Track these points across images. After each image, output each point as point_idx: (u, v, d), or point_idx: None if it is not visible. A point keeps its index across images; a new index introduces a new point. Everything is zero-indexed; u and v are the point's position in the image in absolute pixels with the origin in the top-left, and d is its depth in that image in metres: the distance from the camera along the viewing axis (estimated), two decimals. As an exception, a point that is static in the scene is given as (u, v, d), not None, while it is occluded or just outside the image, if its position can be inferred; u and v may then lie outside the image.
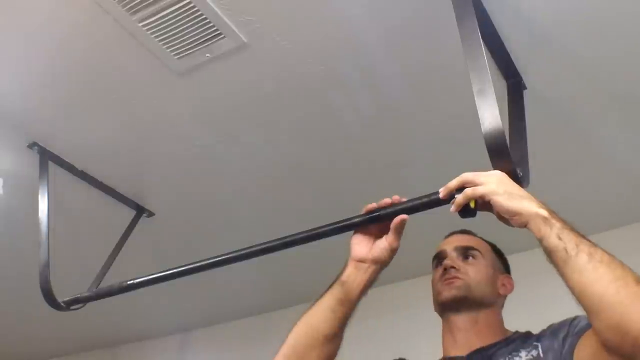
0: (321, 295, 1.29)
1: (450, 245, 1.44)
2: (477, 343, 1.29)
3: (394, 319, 2.37)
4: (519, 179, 1.26)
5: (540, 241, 1.05)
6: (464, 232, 1.49)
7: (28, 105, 2.02)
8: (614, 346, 0.98)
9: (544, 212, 1.05)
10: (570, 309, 1.08)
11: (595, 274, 0.97)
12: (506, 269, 1.47)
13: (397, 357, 1.43)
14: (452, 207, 1.16)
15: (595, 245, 1.01)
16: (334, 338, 1.26)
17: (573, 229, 1.04)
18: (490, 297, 1.36)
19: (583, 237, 1.03)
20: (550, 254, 1.04)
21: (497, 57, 1.69)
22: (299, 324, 1.29)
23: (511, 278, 1.45)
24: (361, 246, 1.29)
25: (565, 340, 1.15)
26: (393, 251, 1.26)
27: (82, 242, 2.65)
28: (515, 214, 1.08)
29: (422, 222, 1.35)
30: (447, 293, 1.34)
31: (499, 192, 1.10)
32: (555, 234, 1.02)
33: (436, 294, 1.38)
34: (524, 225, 1.08)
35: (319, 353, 1.25)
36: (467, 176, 1.16)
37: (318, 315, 1.27)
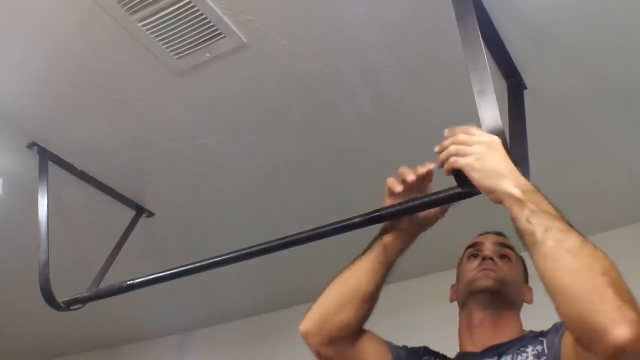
0: (359, 256, 1.30)
1: (488, 240, 1.44)
2: (493, 341, 1.29)
3: (399, 318, 2.38)
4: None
5: (513, 222, 1.05)
6: (498, 233, 1.48)
7: (28, 105, 2.02)
8: (578, 338, 0.97)
9: (517, 193, 1.03)
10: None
11: (559, 262, 0.96)
12: (527, 280, 1.46)
13: (421, 345, 1.42)
14: (445, 172, 1.17)
15: (568, 230, 0.98)
16: (371, 298, 1.27)
17: (548, 212, 1.01)
18: (516, 301, 1.37)
19: (558, 220, 1.00)
20: (520, 237, 1.03)
21: (497, 57, 1.68)
22: (336, 283, 1.30)
23: (531, 289, 1.44)
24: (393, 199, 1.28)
25: (563, 336, 1.15)
26: (443, 212, 1.27)
27: (82, 242, 2.65)
28: (489, 192, 1.08)
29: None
30: (483, 282, 1.33)
31: (476, 167, 1.09)
32: (525, 217, 1.01)
33: (469, 282, 1.37)
34: (500, 203, 1.07)
35: (355, 312, 1.26)
36: (459, 139, 1.15)
37: (358, 276, 1.27)
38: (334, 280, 1.30)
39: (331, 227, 1.40)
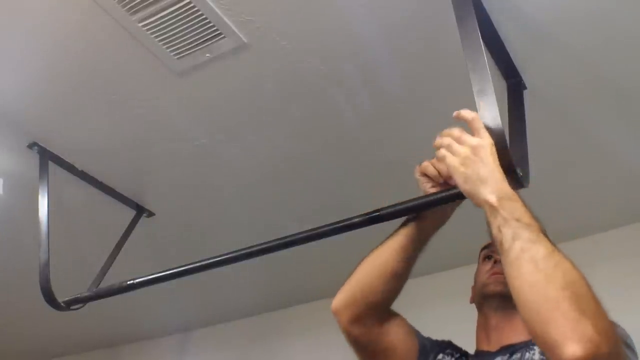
0: (394, 232, 1.30)
1: None
2: (507, 340, 1.30)
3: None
4: (519, 180, 1.26)
5: (488, 226, 1.07)
6: None
7: (28, 105, 2.02)
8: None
9: (492, 200, 1.04)
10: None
11: (519, 271, 0.96)
12: None
13: (445, 339, 1.43)
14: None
15: (537, 241, 0.98)
16: (402, 275, 1.28)
17: (521, 220, 1.01)
18: None
19: (529, 229, 1.00)
20: (493, 243, 1.07)
21: (497, 57, 1.68)
22: (367, 260, 1.31)
23: None
24: (436, 188, 1.27)
25: None
26: None
27: (82, 242, 2.65)
28: (468, 196, 1.10)
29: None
30: (493, 287, 1.34)
31: (460, 170, 1.11)
32: (497, 226, 1.02)
33: (481, 286, 1.38)
34: (479, 207, 1.09)
35: (385, 287, 1.28)
36: (453, 133, 1.16)
37: (390, 252, 1.28)
38: (366, 258, 1.32)
39: (331, 227, 1.40)
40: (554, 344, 0.88)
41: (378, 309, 1.31)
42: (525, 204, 1.06)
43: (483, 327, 1.37)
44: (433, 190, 1.29)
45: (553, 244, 1.00)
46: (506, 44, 1.67)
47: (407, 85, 1.85)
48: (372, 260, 1.31)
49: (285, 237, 1.50)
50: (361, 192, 2.21)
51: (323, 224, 1.42)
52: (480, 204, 1.08)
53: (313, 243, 1.46)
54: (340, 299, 1.32)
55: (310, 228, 1.45)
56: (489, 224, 1.05)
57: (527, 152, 1.52)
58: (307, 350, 2.80)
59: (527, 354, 1.23)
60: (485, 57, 1.33)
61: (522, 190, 1.34)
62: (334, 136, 2.07)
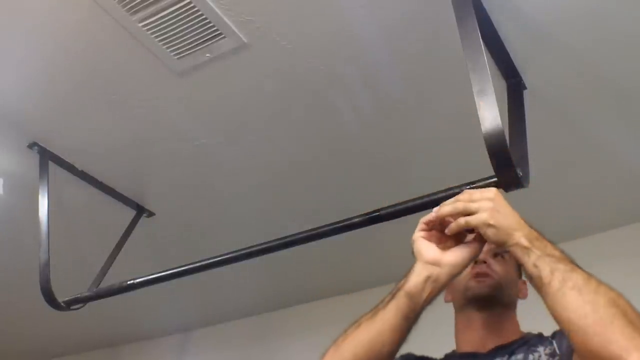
0: (384, 306, 1.18)
1: None
2: (495, 341, 1.29)
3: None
4: (519, 179, 1.27)
5: (522, 268, 1.10)
6: None
7: (28, 105, 2.02)
8: None
9: (524, 242, 1.08)
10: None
11: (564, 300, 1.01)
12: (522, 273, 1.44)
13: (404, 353, 1.40)
14: (447, 230, 1.15)
15: (572, 270, 1.03)
16: (396, 352, 1.21)
17: (553, 255, 1.06)
18: (513, 300, 1.37)
19: (562, 262, 1.04)
20: (529, 280, 1.08)
21: (497, 57, 1.69)
22: (358, 337, 1.19)
23: (526, 283, 1.41)
24: (433, 249, 1.17)
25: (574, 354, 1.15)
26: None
27: (82, 242, 2.65)
28: (500, 245, 1.12)
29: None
30: (478, 290, 1.33)
31: (492, 224, 1.11)
32: (532, 263, 1.06)
33: (464, 289, 1.36)
34: (508, 251, 1.13)
35: None
36: (461, 198, 1.14)
37: (383, 334, 1.17)
38: (359, 331, 1.19)
39: (331, 227, 1.41)
40: (617, 358, 0.93)
41: None
42: (551, 241, 1.10)
43: (466, 328, 1.35)
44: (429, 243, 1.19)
45: (586, 271, 1.04)
46: (506, 44, 1.67)
47: (407, 86, 1.85)
48: (364, 341, 1.18)
49: (285, 237, 1.51)
50: (361, 192, 2.21)
51: (323, 224, 1.42)
52: (511, 249, 1.10)
53: (313, 243, 1.46)
54: None
55: (310, 228, 1.45)
56: (523, 265, 1.08)
57: (527, 152, 1.52)
58: (307, 350, 2.79)
59: (531, 355, 1.22)
60: (485, 57, 1.34)
61: (522, 190, 1.34)
62: (333, 136, 2.07)
